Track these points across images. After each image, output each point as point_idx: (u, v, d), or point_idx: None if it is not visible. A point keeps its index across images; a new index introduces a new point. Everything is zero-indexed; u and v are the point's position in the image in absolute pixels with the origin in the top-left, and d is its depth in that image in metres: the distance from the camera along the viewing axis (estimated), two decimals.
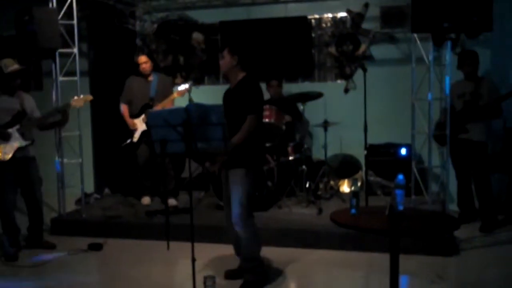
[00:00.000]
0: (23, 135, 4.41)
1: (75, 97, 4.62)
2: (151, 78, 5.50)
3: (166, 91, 5.45)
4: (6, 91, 4.41)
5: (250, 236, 3.63)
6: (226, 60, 3.61)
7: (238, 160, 3.53)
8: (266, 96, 5.19)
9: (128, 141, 5.48)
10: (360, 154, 5.50)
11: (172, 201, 5.56)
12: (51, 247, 4.69)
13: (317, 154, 6.07)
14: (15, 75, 4.40)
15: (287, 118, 5.75)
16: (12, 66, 4.38)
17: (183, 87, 4.96)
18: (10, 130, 4.36)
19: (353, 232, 3.41)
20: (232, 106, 3.57)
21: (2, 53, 4.65)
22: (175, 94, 5.24)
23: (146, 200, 5.75)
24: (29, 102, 4.56)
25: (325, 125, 5.56)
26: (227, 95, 3.74)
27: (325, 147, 5.61)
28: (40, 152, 4.78)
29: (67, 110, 4.50)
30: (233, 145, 3.45)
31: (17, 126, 4.39)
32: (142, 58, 5.49)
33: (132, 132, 5.48)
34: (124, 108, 5.58)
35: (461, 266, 4.20)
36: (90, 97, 4.76)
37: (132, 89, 5.52)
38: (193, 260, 3.20)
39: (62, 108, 4.52)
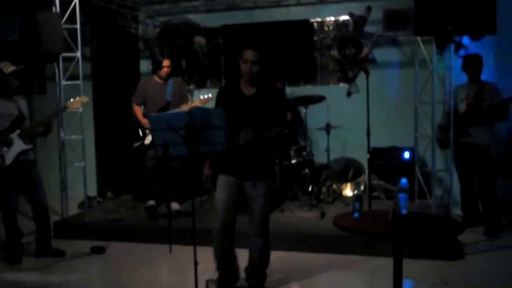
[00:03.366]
0: (23, 140, 4.39)
1: (71, 100, 4.65)
2: (166, 81, 5.47)
3: (182, 95, 5.52)
4: (4, 93, 4.38)
5: (268, 245, 3.70)
6: (259, 66, 3.55)
7: (263, 173, 3.56)
8: None
9: (138, 143, 5.40)
10: (363, 157, 5.48)
11: (174, 205, 5.55)
12: (61, 254, 4.64)
13: (320, 157, 6.05)
14: (14, 76, 4.38)
15: (288, 116, 5.72)
16: (10, 67, 4.38)
17: (206, 95, 4.99)
18: (11, 135, 4.35)
19: (356, 236, 3.39)
20: (256, 112, 3.48)
21: (7, 57, 4.66)
22: (196, 102, 5.25)
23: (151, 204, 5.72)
24: (24, 106, 4.54)
25: (328, 128, 5.55)
26: (245, 98, 3.54)
27: (327, 150, 5.59)
28: (42, 155, 4.77)
29: (50, 122, 4.49)
30: (264, 137, 3.43)
31: (17, 131, 4.37)
32: (167, 62, 5.45)
33: (143, 134, 5.39)
34: (137, 109, 5.52)
35: (465, 270, 4.17)
36: (86, 99, 4.82)
37: (146, 92, 5.46)
38: (196, 263, 3.19)
39: (46, 120, 4.48)
